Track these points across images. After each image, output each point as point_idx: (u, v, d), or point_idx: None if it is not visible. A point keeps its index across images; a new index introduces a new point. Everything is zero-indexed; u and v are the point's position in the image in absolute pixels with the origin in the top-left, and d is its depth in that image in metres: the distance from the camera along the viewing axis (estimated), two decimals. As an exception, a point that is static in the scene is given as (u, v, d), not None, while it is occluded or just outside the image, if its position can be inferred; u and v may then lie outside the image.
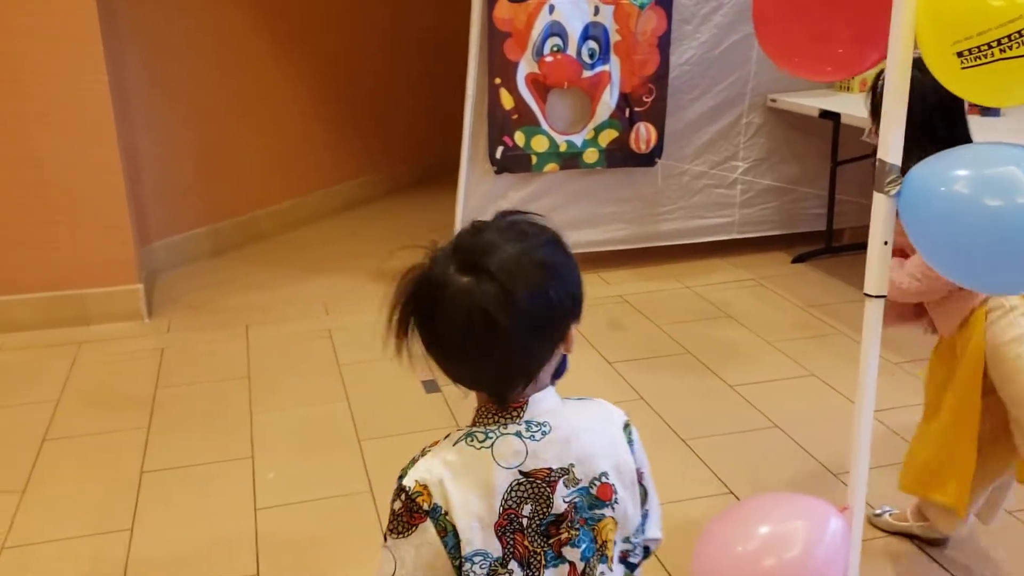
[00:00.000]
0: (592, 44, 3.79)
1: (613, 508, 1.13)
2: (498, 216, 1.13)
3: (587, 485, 1.11)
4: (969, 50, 1.37)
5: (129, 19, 3.93)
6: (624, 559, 1.18)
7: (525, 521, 1.09)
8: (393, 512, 1.10)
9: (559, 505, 1.10)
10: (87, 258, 3.62)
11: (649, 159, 4.02)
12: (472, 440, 1.09)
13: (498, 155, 3.86)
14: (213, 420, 2.97)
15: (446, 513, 1.06)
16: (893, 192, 1.48)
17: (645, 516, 1.20)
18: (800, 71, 1.66)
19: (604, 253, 4.17)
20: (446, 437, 1.12)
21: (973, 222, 1.41)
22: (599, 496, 1.12)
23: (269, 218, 4.82)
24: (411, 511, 1.07)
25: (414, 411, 2.95)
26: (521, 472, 1.08)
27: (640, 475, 1.18)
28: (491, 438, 1.09)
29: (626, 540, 1.17)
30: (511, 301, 1.02)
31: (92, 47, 3.45)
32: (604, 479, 1.12)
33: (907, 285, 1.95)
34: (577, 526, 1.11)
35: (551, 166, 3.93)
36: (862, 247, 4.52)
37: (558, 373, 1.15)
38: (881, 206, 1.49)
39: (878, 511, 2.37)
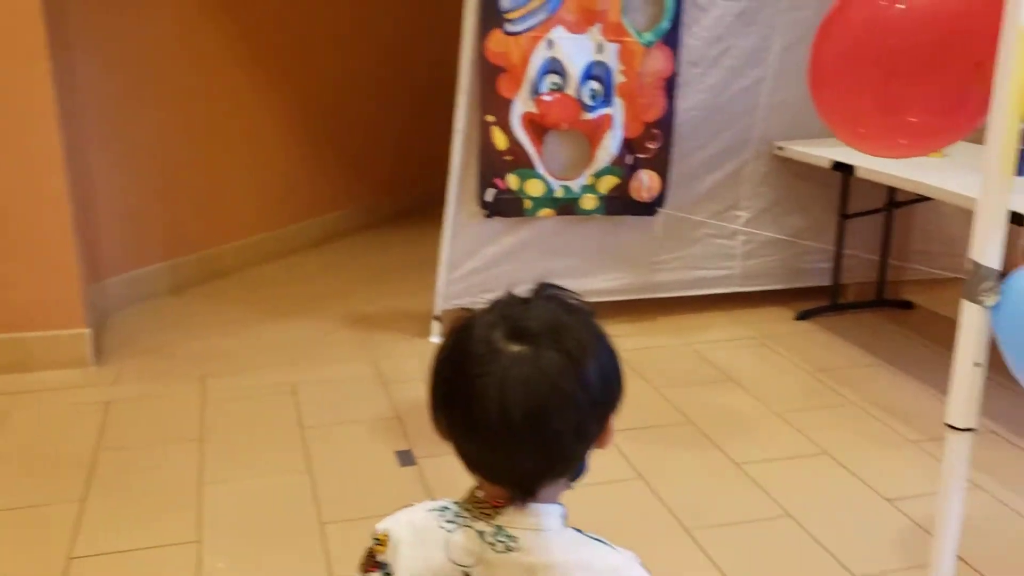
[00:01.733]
0: (594, 84, 3.51)
1: None
2: (539, 287, 1.01)
3: None
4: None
5: (84, 29, 3.60)
6: None
7: None
8: (365, 550, 1.06)
9: None
10: (27, 297, 3.27)
11: (650, 208, 3.74)
12: (442, 515, 1.01)
13: (489, 198, 3.57)
14: (157, 492, 2.63)
15: (389, 574, 1.03)
16: (990, 303, 1.19)
17: None
18: (865, 145, 1.36)
19: (599, 304, 3.86)
20: (434, 502, 1.04)
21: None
22: None
23: (237, 253, 4.49)
24: (370, 556, 1.05)
25: (385, 488, 2.63)
26: (466, 575, 0.98)
27: None
28: (456, 523, 1.00)
29: None
30: (582, 374, 0.92)
31: (36, 59, 3.10)
32: None
33: None
34: None
35: (546, 211, 3.64)
36: (869, 305, 4.30)
37: (578, 474, 1.01)
38: (974, 318, 1.20)
39: None
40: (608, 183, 3.65)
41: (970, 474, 2.75)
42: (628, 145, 3.62)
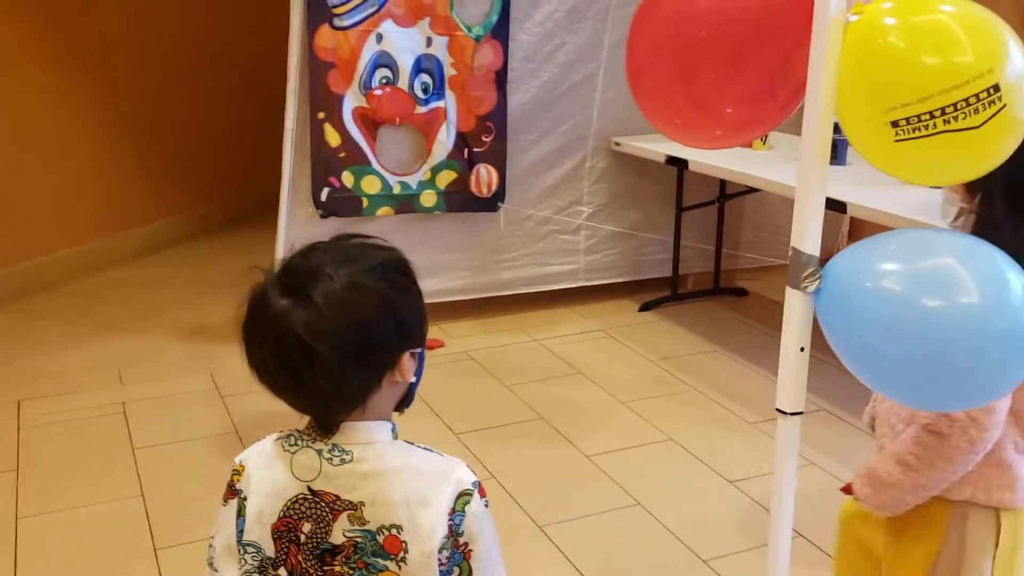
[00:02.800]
0: (425, 78, 3.45)
1: (399, 566, 1.08)
2: (335, 238, 1.11)
3: (374, 530, 1.08)
4: (907, 119, 1.13)
5: None
6: None
7: (303, 537, 1.09)
8: (228, 480, 1.14)
9: (337, 536, 1.08)
10: None
11: (491, 203, 3.72)
12: (286, 442, 1.11)
13: (323, 197, 3.45)
14: (-34, 532, 2.40)
15: (245, 498, 1.11)
16: (811, 288, 1.22)
17: None
18: (682, 136, 1.37)
19: (445, 304, 3.83)
20: (281, 431, 1.14)
21: (907, 326, 1.17)
22: (385, 547, 1.08)
23: (54, 266, 4.17)
24: (229, 486, 1.14)
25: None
26: (310, 488, 1.09)
27: (467, 551, 1.10)
28: (298, 446, 1.10)
29: None
30: (324, 328, 1.01)
31: None
32: (395, 532, 1.07)
33: (895, 476, 1.41)
34: (354, 565, 1.09)
35: (385, 210, 3.56)
36: (707, 294, 4.42)
37: (404, 402, 1.14)
38: (797, 305, 1.22)
39: None
40: (446, 178, 3.61)
41: (804, 452, 2.87)
42: (463, 138, 3.59)
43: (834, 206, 2.93)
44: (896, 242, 1.23)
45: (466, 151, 3.61)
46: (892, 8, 1.16)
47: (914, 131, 1.14)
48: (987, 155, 1.17)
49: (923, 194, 2.99)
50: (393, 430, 1.12)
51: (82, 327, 3.75)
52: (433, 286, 3.76)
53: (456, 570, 1.10)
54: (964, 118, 1.12)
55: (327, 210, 3.48)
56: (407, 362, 1.08)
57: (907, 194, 2.99)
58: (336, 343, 1.02)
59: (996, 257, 1.20)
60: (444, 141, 3.55)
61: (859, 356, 1.21)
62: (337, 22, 3.28)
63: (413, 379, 1.11)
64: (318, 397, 1.05)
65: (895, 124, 1.14)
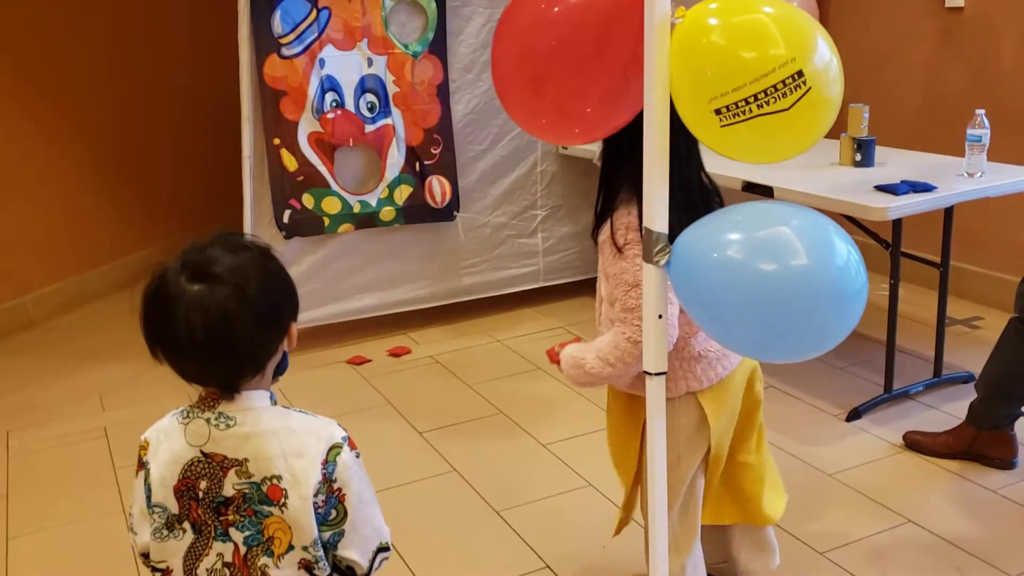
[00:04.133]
0: (370, 97, 3.63)
1: (282, 510, 1.26)
2: (217, 236, 1.30)
3: (258, 481, 1.26)
4: (727, 107, 1.30)
5: None
6: (308, 568, 1.30)
7: (200, 494, 1.27)
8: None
9: (228, 489, 1.27)
10: None
11: (448, 213, 3.89)
12: (180, 416, 1.30)
13: (285, 219, 3.62)
14: (-41, 554, 2.56)
15: (149, 469, 1.30)
16: (663, 262, 1.38)
17: (341, 535, 1.30)
18: (549, 136, 1.54)
19: (410, 312, 3.99)
20: (176, 409, 1.33)
21: (748, 288, 1.33)
22: (268, 495, 1.26)
23: (37, 304, 4.34)
24: (139, 460, 1.33)
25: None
26: (203, 452, 1.27)
27: (341, 495, 1.28)
28: (190, 418, 1.29)
29: (305, 549, 1.28)
30: (245, 298, 1.21)
31: None
32: (276, 481, 1.26)
33: (596, 369, 1.70)
34: (244, 513, 1.27)
35: (345, 227, 3.72)
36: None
37: (280, 370, 1.33)
38: (652, 277, 1.39)
39: None
40: (403, 192, 3.78)
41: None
42: (413, 152, 3.76)
43: (762, 190, 3.11)
44: (736, 215, 1.39)
45: (417, 164, 3.78)
46: (706, 11, 1.33)
47: (734, 116, 1.31)
48: (803, 132, 1.34)
49: (851, 175, 3.20)
50: (272, 398, 1.31)
51: (64, 359, 3.91)
52: (398, 296, 3.94)
53: (333, 512, 1.29)
54: (774, 102, 1.29)
55: (290, 231, 3.65)
56: (295, 331, 1.31)
57: (833, 175, 3.19)
58: (255, 311, 1.22)
59: (825, 224, 1.37)
60: (396, 156, 3.72)
61: (707, 318, 1.38)
62: (284, 51, 3.46)
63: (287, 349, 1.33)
64: (234, 362, 1.24)
65: (718, 112, 1.31)
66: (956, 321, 3.79)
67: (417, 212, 3.84)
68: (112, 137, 4.74)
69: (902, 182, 2.91)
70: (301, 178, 3.58)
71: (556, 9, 1.38)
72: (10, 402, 3.52)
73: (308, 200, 3.62)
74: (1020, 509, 2.51)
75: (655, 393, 1.41)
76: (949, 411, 3.03)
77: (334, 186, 3.65)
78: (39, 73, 4.30)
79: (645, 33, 1.33)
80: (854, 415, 3.04)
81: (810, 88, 1.29)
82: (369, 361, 3.74)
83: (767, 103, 1.29)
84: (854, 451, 2.84)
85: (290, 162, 3.55)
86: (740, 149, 1.37)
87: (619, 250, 1.63)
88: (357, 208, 3.72)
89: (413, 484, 2.81)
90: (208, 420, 1.27)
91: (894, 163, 3.27)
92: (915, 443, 2.80)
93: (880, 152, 3.31)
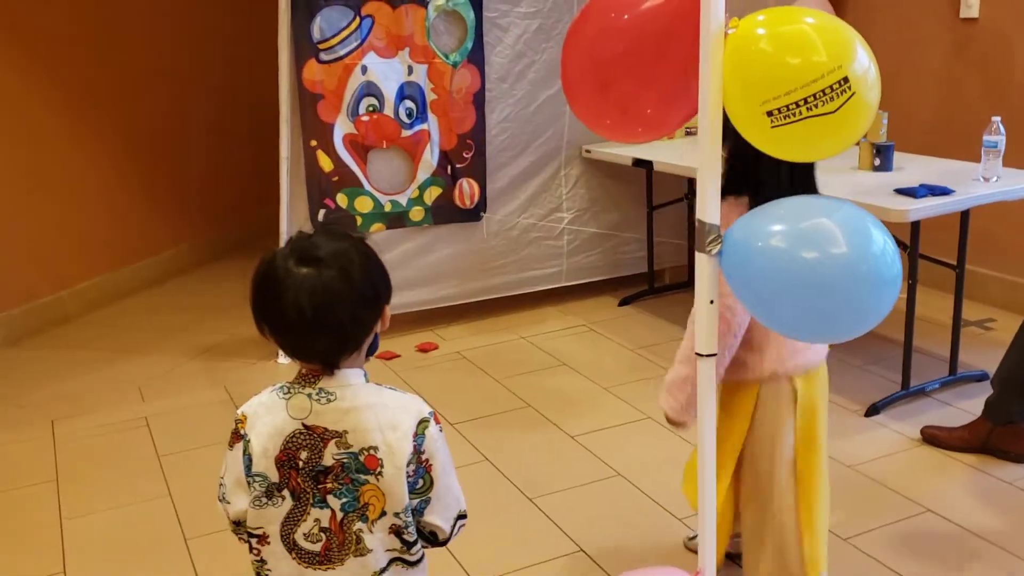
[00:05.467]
0: (409, 103, 3.75)
1: (378, 479, 1.36)
2: (319, 228, 1.49)
3: (356, 452, 1.36)
4: (779, 109, 1.41)
5: None
6: (398, 533, 1.40)
7: (301, 463, 1.37)
8: (231, 431, 1.41)
9: (328, 459, 1.36)
10: None
11: (474, 214, 4.01)
12: (281, 392, 1.40)
13: (320, 218, 3.74)
14: (17, 533, 2.67)
15: (249, 440, 1.37)
16: (715, 252, 1.49)
17: (427, 502, 1.41)
18: (614, 135, 1.66)
19: (437, 310, 4.11)
20: (273, 385, 1.42)
21: (792, 274, 1.44)
22: (366, 464, 1.36)
23: (74, 299, 4.46)
24: (234, 432, 1.40)
25: (246, 499, 2.76)
26: (304, 425, 1.37)
27: (428, 465, 1.39)
28: (291, 394, 1.38)
29: (396, 515, 1.38)
30: (349, 280, 1.32)
31: None
32: (372, 452, 1.36)
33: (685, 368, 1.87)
34: (342, 482, 1.36)
35: (377, 226, 3.84)
36: (682, 286, 4.69)
37: (372, 350, 1.43)
38: (704, 266, 1.50)
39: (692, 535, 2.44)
40: (432, 193, 3.90)
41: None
42: (446, 156, 3.88)
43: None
44: (781, 208, 1.50)
45: (449, 168, 3.90)
46: (761, 21, 1.45)
47: (785, 118, 1.42)
48: (845, 133, 1.45)
49: (871, 179, 3.31)
50: (365, 375, 1.42)
51: (102, 352, 4.02)
52: (426, 295, 4.05)
53: (421, 481, 1.40)
54: (823, 105, 1.40)
55: (323, 229, 3.76)
56: (388, 312, 1.41)
57: (853, 180, 3.30)
58: (357, 291, 1.33)
59: (862, 215, 1.48)
60: (429, 160, 3.84)
61: (757, 303, 1.49)
62: (323, 56, 3.58)
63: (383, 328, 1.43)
64: (337, 339, 1.34)
65: (769, 114, 1.42)
66: (970, 323, 3.90)
67: (446, 212, 3.95)
68: (150, 136, 4.87)
69: (920, 186, 3.02)
70: (336, 178, 3.70)
71: (625, 17, 1.49)
72: (52, 392, 3.63)
73: (342, 200, 3.74)
74: (1035, 500, 2.61)
75: (706, 374, 1.52)
76: (964, 407, 3.13)
77: (367, 186, 3.77)
78: (79, 72, 4.43)
79: (700, 42, 1.44)
80: (873, 410, 3.14)
81: (854, 93, 1.40)
82: (398, 356, 3.85)
83: (816, 106, 1.40)
84: (873, 444, 2.94)
85: (326, 163, 3.67)
86: (788, 148, 1.48)
87: None
88: (388, 207, 3.83)
89: (447, 473, 2.91)
90: (309, 395, 1.37)
91: (912, 168, 3.38)
92: (933, 437, 2.90)
93: (898, 158, 3.42)
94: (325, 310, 1.31)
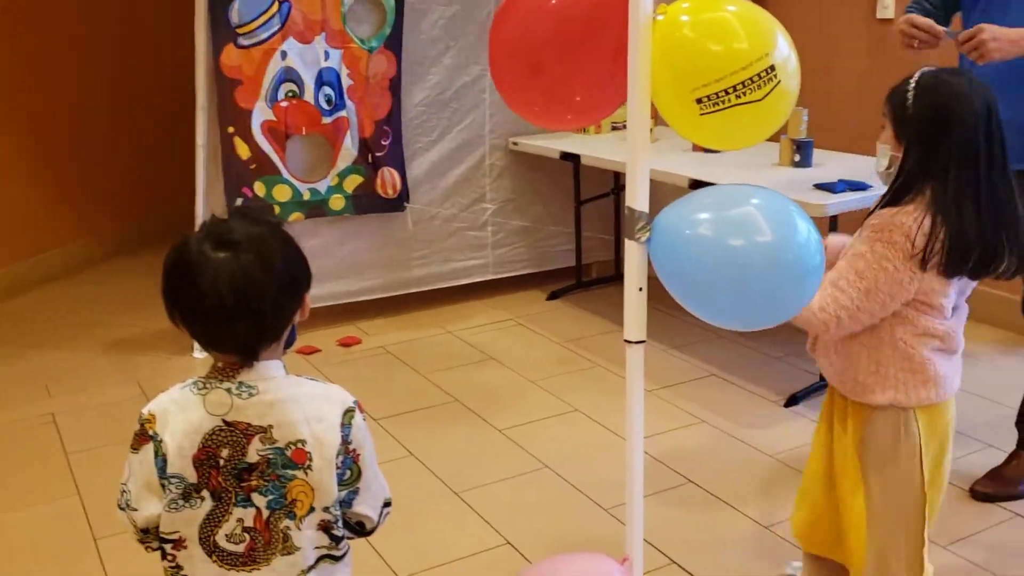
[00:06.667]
0: (328, 89, 3.66)
1: (306, 473, 1.32)
2: (234, 211, 1.38)
3: (283, 446, 1.31)
4: (708, 96, 1.40)
5: None
6: (327, 529, 1.36)
7: (222, 461, 1.31)
8: (134, 433, 1.33)
9: (252, 455, 1.31)
10: None
11: (397, 204, 3.94)
12: (195, 387, 1.33)
13: (237, 207, 3.63)
14: (-90, 538, 2.52)
15: (161, 440, 1.30)
16: (644, 239, 1.48)
17: (355, 492, 1.38)
18: (542, 121, 1.63)
19: (360, 304, 4.04)
20: (182, 382, 1.35)
21: (717, 262, 1.44)
22: (293, 458, 1.32)
23: (-26, 291, 4.25)
24: (140, 434, 1.33)
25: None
26: (225, 421, 1.31)
27: (356, 455, 1.36)
28: (208, 388, 1.32)
29: (325, 510, 1.34)
30: (268, 263, 1.26)
31: None
32: (300, 446, 1.31)
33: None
34: (267, 478, 1.32)
35: (296, 215, 3.75)
36: (609, 280, 4.70)
37: (290, 342, 1.38)
38: (633, 253, 1.49)
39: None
40: (353, 182, 3.82)
41: (693, 411, 3.15)
42: (365, 144, 3.80)
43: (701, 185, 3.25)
44: (709, 197, 1.50)
45: (369, 156, 3.83)
46: (687, 8, 1.44)
47: (714, 106, 1.41)
48: (770, 120, 1.46)
49: (791, 175, 3.37)
50: (284, 368, 1.37)
51: (6, 347, 3.84)
52: (347, 286, 3.97)
53: (348, 472, 1.37)
54: (751, 93, 1.40)
55: (242, 219, 3.65)
56: (308, 301, 1.37)
57: (774, 175, 3.35)
58: (277, 277, 1.28)
59: (787, 204, 1.49)
60: (349, 148, 3.76)
61: (683, 290, 1.48)
62: (241, 41, 3.47)
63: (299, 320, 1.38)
64: (257, 326, 1.28)
65: (699, 101, 1.42)
66: (884, 315, 4.00)
67: (367, 202, 3.88)
68: (55, 124, 4.66)
69: (839, 181, 3.08)
70: (254, 166, 3.60)
71: (552, 1, 1.47)
72: (-49, 389, 3.46)
73: (260, 188, 3.64)
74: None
75: (634, 362, 1.51)
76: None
77: (285, 174, 3.67)
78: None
79: (630, 29, 1.43)
80: (792, 401, 3.20)
81: (779, 81, 1.41)
82: (319, 351, 3.77)
83: (744, 93, 1.40)
84: (793, 434, 2.99)
85: (243, 150, 3.57)
86: (716, 136, 1.48)
87: (878, 240, 1.65)
88: (307, 196, 3.74)
89: (371, 468, 2.86)
90: (229, 390, 1.31)
91: (831, 164, 3.45)
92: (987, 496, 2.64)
93: (818, 154, 3.49)
94: (244, 295, 1.25)
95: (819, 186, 3.09)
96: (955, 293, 1.71)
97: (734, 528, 2.51)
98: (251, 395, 1.31)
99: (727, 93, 1.40)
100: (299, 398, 1.33)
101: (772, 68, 1.40)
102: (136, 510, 1.35)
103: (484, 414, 3.21)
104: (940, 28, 2.40)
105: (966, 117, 1.62)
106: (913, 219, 1.63)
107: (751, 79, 1.39)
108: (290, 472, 1.32)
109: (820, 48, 4.27)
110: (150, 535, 1.37)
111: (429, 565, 2.38)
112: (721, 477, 2.76)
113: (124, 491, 1.36)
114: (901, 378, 1.71)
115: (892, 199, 1.68)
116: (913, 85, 1.68)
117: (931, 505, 1.79)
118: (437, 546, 2.46)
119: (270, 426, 1.31)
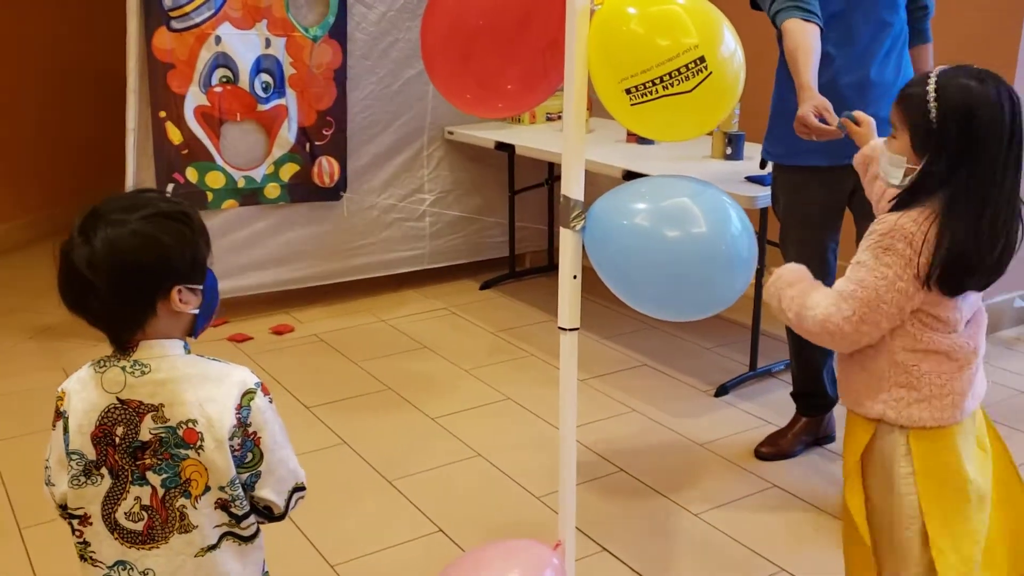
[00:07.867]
0: (266, 77, 3.62)
1: (198, 453, 1.32)
2: (132, 191, 1.33)
3: (174, 426, 1.31)
4: (636, 87, 1.43)
5: None
6: (224, 507, 1.36)
7: (117, 440, 1.32)
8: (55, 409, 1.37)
9: (144, 434, 1.32)
10: None
11: (334, 193, 3.92)
12: (96, 366, 1.35)
13: (168, 193, 3.56)
14: None
15: (68, 418, 1.33)
16: (579, 227, 1.50)
17: (257, 476, 1.36)
18: (474, 109, 1.64)
19: (294, 292, 4.00)
20: (92, 361, 1.36)
21: (652, 253, 1.47)
22: (184, 438, 1.32)
23: None
24: (56, 412, 1.37)
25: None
26: (119, 399, 1.32)
27: (256, 438, 1.35)
28: (105, 367, 1.33)
29: (221, 489, 1.34)
30: (95, 263, 1.25)
31: None
32: (191, 425, 1.31)
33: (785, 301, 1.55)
34: (161, 457, 1.32)
35: (229, 203, 3.69)
36: (542, 270, 4.72)
37: (199, 324, 1.36)
38: (568, 241, 1.51)
39: None
40: (289, 170, 3.78)
41: (625, 400, 3.20)
42: (304, 133, 3.77)
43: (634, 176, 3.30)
44: (645, 187, 1.53)
45: (308, 145, 3.79)
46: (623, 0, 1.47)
47: (643, 96, 1.44)
48: (704, 113, 1.49)
49: (722, 167, 3.44)
50: (185, 347, 1.36)
51: (-77, 334, 3.71)
52: (280, 275, 3.93)
53: (249, 455, 1.35)
54: (678, 84, 1.43)
55: (173, 206, 3.58)
56: (180, 295, 1.31)
57: (706, 167, 3.42)
58: (105, 276, 1.25)
59: (721, 196, 1.53)
60: (286, 136, 3.72)
61: (617, 279, 1.51)
62: (174, 24, 3.40)
63: (193, 311, 1.34)
64: (100, 319, 1.31)
65: (628, 91, 1.44)
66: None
67: (303, 190, 3.85)
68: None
69: (769, 174, 3.15)
70: (186, 151, 3.54)
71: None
72: None
73: (192, 174, 3.58)
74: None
75: (568, 349, 1.53)
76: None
77: (219, 160, 3.62)
78: None
79: (567, 17, 1.45)
80: (722, 391, 3.27)
81: (711, 73, 1.44)
82: (251, 339, 3.73)
83: (672, 85, 1.43)
84: (723, 423, 3.07)
85: (175, 135, 3.50)
86: (649, 126, 1.51)
87: (879, 247, 1.51)
88: (242, 183, 3.69)
89: (302, 456, 2.79)
90: (123, 368, 1.32)
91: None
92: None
93: (749, 147, 3.57)
94: (79, 291, 1.27)
95: (750, 179, 3.16)
96: (968, 307, 1.57)
97: (665, 516, 2.56)
98: (143, 373, 1.31)
99: (654, 84, 1.43)
100: (193, 377, 1.33)
101: (702, 60, 1.42)
102: (55, 485, 1.38)
103: (417, 402, 3.21)
104: (834, 121, 2.12)
105: (999, 131, 1.46)
106: (917, 226, 1.49)
107: (677, 71, 1.42)
108: (183, 451, 1.32)
109: (752, 42, 4.35)
110: (67, 511, 1.38)
111: (361, 553, 2.38)
112: (652, 465, 2.81)
113: (47, 466, 1.39)
114: (894, 393, 1.57)
115: (898, 204, 1.54)
116: (933, 92, 1.47)
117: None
118: (369, 534, 2.46)
119: (161, 404, 1.31)
